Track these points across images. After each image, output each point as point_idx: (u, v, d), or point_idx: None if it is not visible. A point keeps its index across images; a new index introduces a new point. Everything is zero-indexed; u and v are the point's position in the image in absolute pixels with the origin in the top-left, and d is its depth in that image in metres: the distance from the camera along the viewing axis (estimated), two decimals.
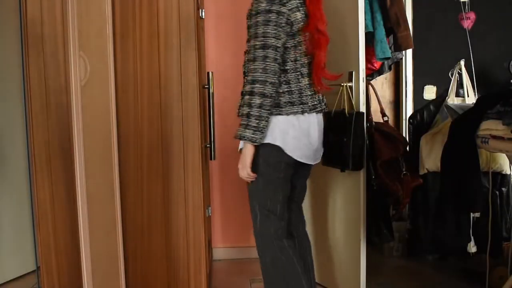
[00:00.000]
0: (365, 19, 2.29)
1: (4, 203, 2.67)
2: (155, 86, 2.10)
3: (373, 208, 2.35)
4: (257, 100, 1.70)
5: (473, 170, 2.00)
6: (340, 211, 2.39)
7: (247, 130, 1.71)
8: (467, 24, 2.85)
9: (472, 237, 2.42)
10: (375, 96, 2.50)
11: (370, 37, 2.49)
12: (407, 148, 2.52)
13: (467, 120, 2.03)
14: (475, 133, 1.96)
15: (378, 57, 2.53)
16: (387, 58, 2.60)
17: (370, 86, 2.44)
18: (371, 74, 2.86)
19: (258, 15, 1.70)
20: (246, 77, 1.77)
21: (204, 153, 2.24)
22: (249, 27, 1.74)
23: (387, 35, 2.55)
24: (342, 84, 2.24)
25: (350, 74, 2.24)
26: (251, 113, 1.70)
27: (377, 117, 2.55)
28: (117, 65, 2.06)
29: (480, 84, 2.81)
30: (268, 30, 1.70)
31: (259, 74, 1.71)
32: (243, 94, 1.74)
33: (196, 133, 2.12)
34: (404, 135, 3.08)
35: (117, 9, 2.04)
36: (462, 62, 2.68)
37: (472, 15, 2.85)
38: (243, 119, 1.72)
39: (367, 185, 2.26)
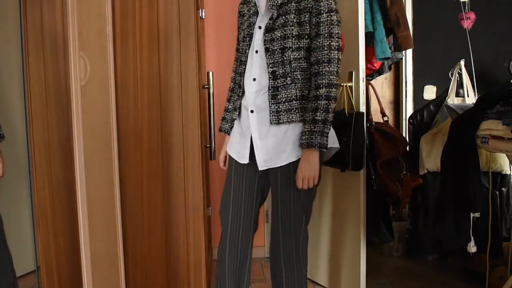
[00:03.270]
0: (365, 19, 2.30)
1: (4, 203, 2.66)
2: (155, 86, 2.09)
3: (373, 208, 2.35)
4: (333, 106, 1.65)
5: (473, 170, 2.00)
6: (340, 211, 2.39)
7: (324, 138, 1.63)
8: (467, 24, 2.85)
9: (472, 237, 2.42)
10: (375, 96, 2.50)
11: (370, 37, 2.49)
12: (407, 148, 2.52)
13: (467, 120, 2.03)
14: (475, 133, 1.96)
15: (378, 57, 2.53)
16: (387, 58, 2.60)
17: (370, 86, 2.44)
18: (371, 74, 2.86)
19: (332, 13, 1.63)
20: (318, 78, 1.64)
21: (204, 153, 2.25)
22: (323, 23, 1.63)
23: (387, 35, 2.55)
24: (342, 84, 2.24)
25: (350, 74, 2.24)
26: (328, 119, 1.63)
27: (377, 117, 2.55)
28: (117, 65, 2.06)
29: (480, 84, 2.81)
30: (339, 32, 1.65)
31: (334, 77, 1.64)
32: (324, 97, 1.63)
33: (196, 133, 2.12)
34: (404, 135, 3.08)
35: (117, 9, 2.04)
36: (462, 62, 2.68)
37: (472, 15, 2.85)
38: (319, 125, 1.62)
39: (367, 185, 2.26)
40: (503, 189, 2.48)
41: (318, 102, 1.64)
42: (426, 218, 2.58)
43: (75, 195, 1.65)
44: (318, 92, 1.64)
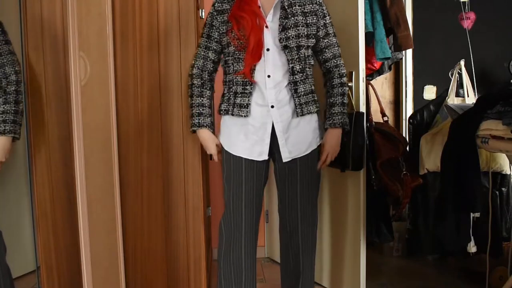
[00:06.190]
0: (365, 19, 2.29)
1: (4, 203, 2.66)
2: (155, 86, 2.09)
3: (373, 208, 2.35)
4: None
5: (473, 170, 2.00)
6: (340, 211, 2.39)
7: (347, 118, 1.94)
8: (467, 24, 2.85)
9: (472, 237, 2.42)
10: (375, 96, 2.50)
11: (370, 37, 2.49)
12: (407, 148, 2.52)
13: (467, 120, 2.03)
14: (475, 133, 1.96)
15: (378, 57, 2.53)
16: (387, 58, 2.60)
17: (370, 86, 2.43)
18: (371, 74, 2.86)
19: (329, 16, 1.90)
20: (340, 69, 1.93)
21: (204, 153, 2.24)
22: (329, 24, 1.89)
23: (387, 35, 2.55)
24: None
25: (350, 74, 2.24)
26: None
27: (377, 117, 2.55)
28: (117, 65, 2.06)
29: (480, 84, 2.81)
30: None
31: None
32: (346, 84, 1.94)
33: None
34: (404, 135, 3.08)
35: (117, 9, 2.04)
36: (462, 62, 2.68)
37: (472, 15, 2.85)
38: (345, 108, 1.92)
39: (367, 185, 2.26)
40: (503, 189, 2.48)
41: (344, 88, 1.93)
42: (426, 218, 2.58)
43: (75, 195, 1.65)
44: (342, 80, 1.93)
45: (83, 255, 1.65)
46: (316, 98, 1.91)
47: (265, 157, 1.86)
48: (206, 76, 1.92)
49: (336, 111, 1.91)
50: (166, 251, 2.17)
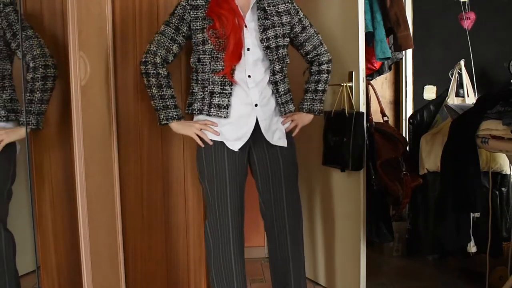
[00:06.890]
0: (365, 19, 2.29)
1: None
2: None
3: (373, 208, 2.35)
4: (330, 78, 2.00)
5: (473, 170, 2.00)
6: (340, 211, 2.39)
7: (322, 104, 1.99)
8: (467, 24, 2.85)
9: (472, 237, 2.42)
10: (375, 96, 2.50)
11: (370, 37, 2.49)
12: (407, 148, 2.52)
13: (467, 120, 2.03)
14: (475, 133, 1.96)
15: (378, 57, 2.53)
16: (387, 58, 2.60)
17: (370, 86, 2.43)
18: (371, 74, 2.86)
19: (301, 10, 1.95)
20: (320, 57, 1.96)
21: None
22: (303, 18, 1.93)
23: (387, 35, 2.55)
24: (342, 84, 2.24)
25: (350, 74, 2.24)
26: (326, 89, 2.00)
27: (377, 117, 2.55)
28: (117, 65, 2.06)
29: (480, 84, 2.81)
30: None
31: (329, 54, 2.00)
32: (325, 71, 1.96)
33: None
34: (404, 135, 3.08)
35: (117, 9, 2.04)
36: (462, 62, 2.68)
37: (472, 15, 2.85)
38: (319, 95, 1.96)
39: (367, 185, 2.26)
40: (503, 189, 2.48)
41: (321, 75, 1.96)
42: (426, 218, 2.58)
43: (75, 195, 1.65)
44: (321, 68, 1.97)
45: (83, 255, 1.65)
46: (292, 96, 1.94)
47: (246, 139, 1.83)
48: (167, 67, 1.85)
49: (307, 98, 1.97)
50: (166, 251, 2.17)
